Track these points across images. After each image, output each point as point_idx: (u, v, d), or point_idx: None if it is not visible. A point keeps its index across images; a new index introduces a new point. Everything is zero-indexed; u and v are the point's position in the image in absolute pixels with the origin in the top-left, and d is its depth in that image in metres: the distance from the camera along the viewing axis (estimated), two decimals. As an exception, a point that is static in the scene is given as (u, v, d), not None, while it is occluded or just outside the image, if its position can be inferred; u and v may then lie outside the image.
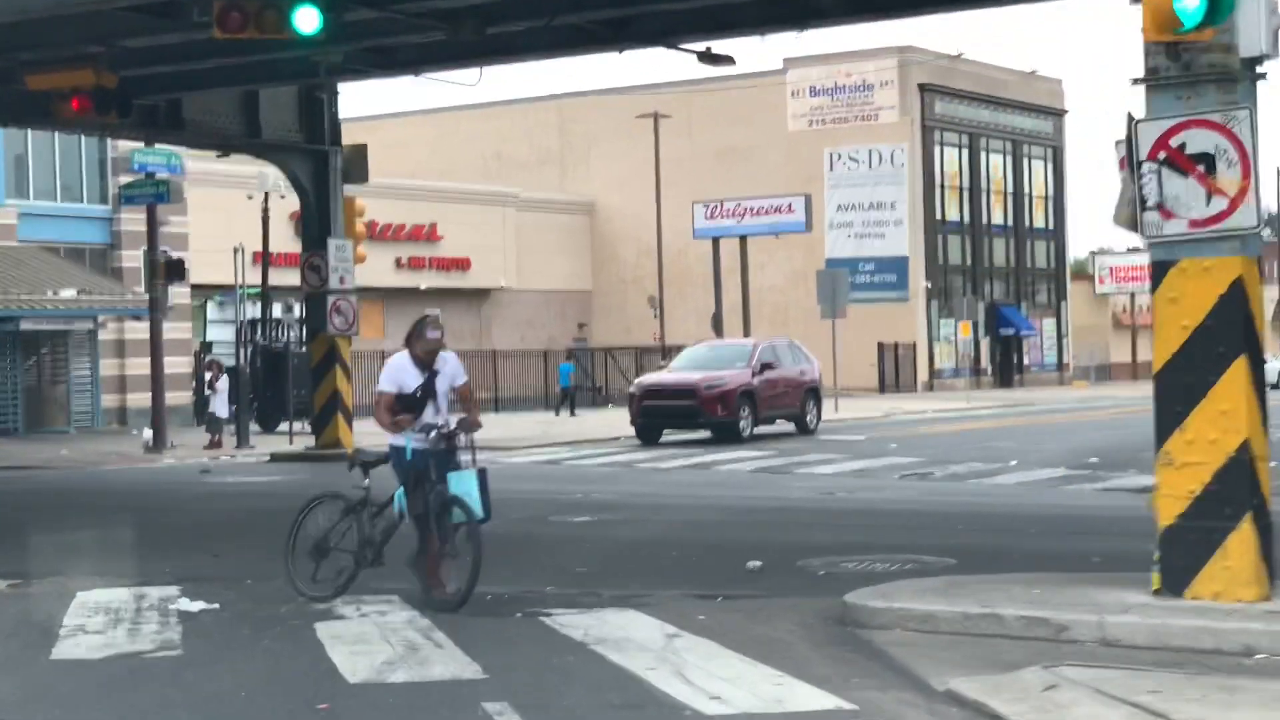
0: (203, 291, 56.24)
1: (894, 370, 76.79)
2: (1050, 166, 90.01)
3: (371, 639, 12.00)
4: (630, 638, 11.76)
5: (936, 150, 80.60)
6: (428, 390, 13.63)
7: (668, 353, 59.01)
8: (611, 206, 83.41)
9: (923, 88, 79.16)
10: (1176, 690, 9.14)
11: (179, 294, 48.24)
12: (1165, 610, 11.33)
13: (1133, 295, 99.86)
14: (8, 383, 46.43)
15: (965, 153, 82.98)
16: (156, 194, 40.14)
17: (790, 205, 68.74)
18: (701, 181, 76.46)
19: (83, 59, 26.33)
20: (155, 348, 40.27)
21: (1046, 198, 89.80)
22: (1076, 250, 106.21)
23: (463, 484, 13.36)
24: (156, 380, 39.97)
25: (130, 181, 42.38)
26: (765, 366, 38.86)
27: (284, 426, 42.22)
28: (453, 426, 13.66)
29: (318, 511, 14.24)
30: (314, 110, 36.02)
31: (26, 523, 22.08)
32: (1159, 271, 11.91)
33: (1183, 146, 11.75)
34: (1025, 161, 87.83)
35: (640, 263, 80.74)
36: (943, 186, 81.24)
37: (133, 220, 48.15)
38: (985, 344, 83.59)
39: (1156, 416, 12.00)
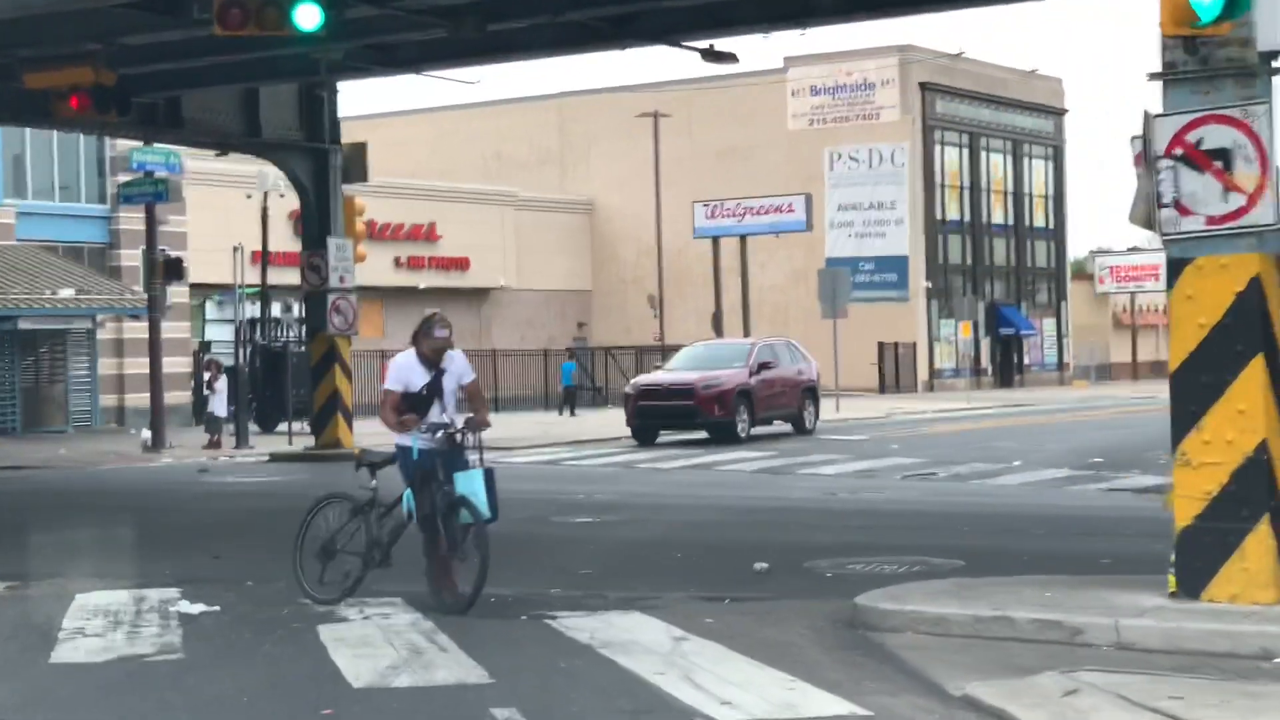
0: (201, 291, 56.09)
1: (894, 370, 76.63)
2: (1051, 166, 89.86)
3: (375, 642, 11.82)
4: (637, 641, 11.58)
5: (937, 149, 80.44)
6: (434, 389, 13.45)
7: (668, 352, 58.84)
8: (611, 206, 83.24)
9: (923, 87, 79.00)
10: (1198, 696, 8.97)
11: (178, 293, 48.05)
12: (1181, 613, 11.16)
13: (1133, 295, 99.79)
14: (6, 382, 46.28)
15: (966, 152, 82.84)
16: (155, 193, 39.98)
17: (790, 205, 68.58)
18: (701, 181, 76.30)
19: (81, 57, 26.18)
20: (154, 347, 40.13)
21: (1047, 197, 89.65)
22: (1077, 250, 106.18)
23: (469, 484, 13.18)
24: (155, 380, 39.82)
25: (129, 180, 42.21)
26: (763, 366, 38.59)
27: (283, 426, 42.06)
28: (460, 426, 13.50)
29: (325, 513, 14.06)
30: (314, 109, 35.86)
31: (25, 523, 21.90)
32: (1175, 269, 11.74)
33: (1200, 142, 11.58)
34: (1026, 161, 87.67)
35: (640, 262, 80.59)
36: (943, 186, 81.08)
37: (131, 219, 48.02)
38: (985, 344, 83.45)
39: (1173, 416, 11.83)
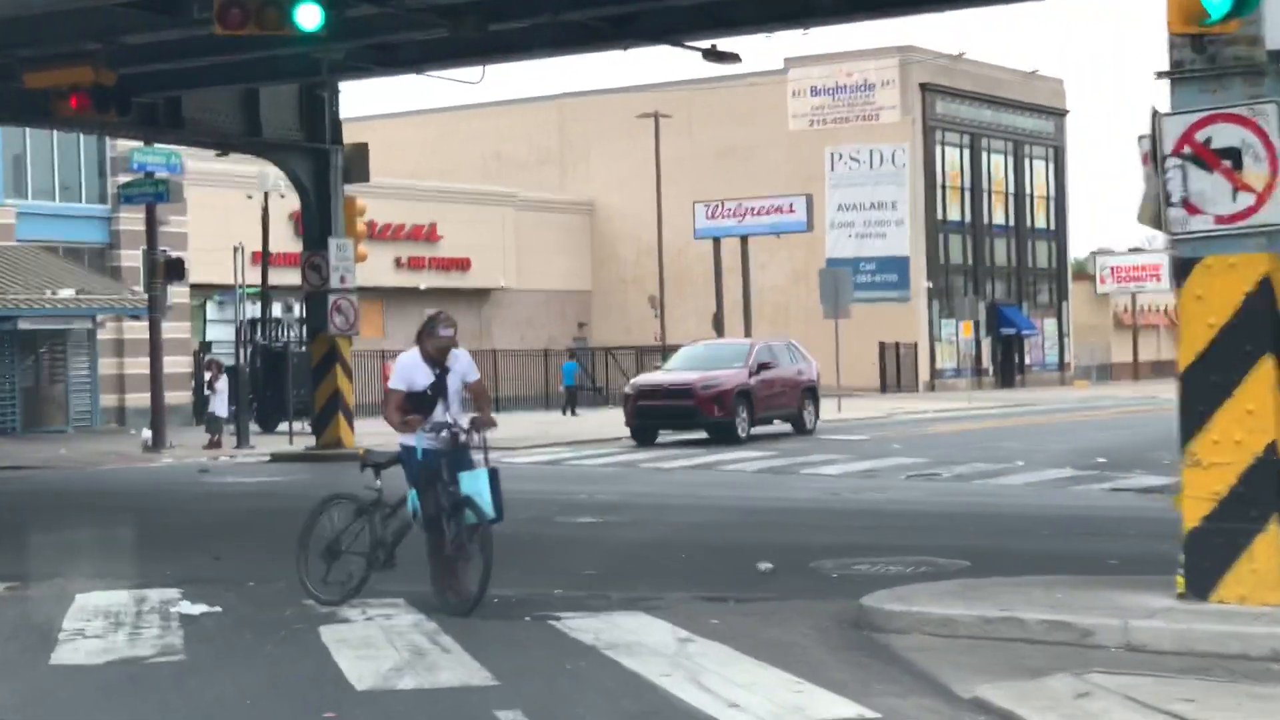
0: (202, 291, 56.03)
1: (895, 370, 76.56)
2: (1051, 166, 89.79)
3: (377, 643, 11.73)
4: (642, 642, 11.49)
5: (937, 150, 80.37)
6: (439, 388, 13.35)
7: (668, 353, 58.78)
8: (611, 206, 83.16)
9: (924, 87, 78.92)
10: (1210, 699, 8.89)
11: (178, 293, 48.05)
12: (1190, 614, 11.07)
13: (1134, 295, 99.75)
14: (6, 382, 46.22)
15: (966, 152, 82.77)
16: (156, 193, 39.91)
17: (791, 205, 68.51)
18: (702, 181, 76.22)
19: (81, 56, 26.11)
20: (154, 347, 40.06)
21: (1048, 198, 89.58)
22: (1077, 250, 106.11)
23: (474, 484, 13.08)
24: (155, 380, 39.75)
25: (129, 181, 42.15)
26: (762, 366, 38.42)
27: (283, 426, 41.99)
28: (465, 426, 13.41)
29: (330, 513, 13.96)
30: (315, 109, 35.78)
31: (25, 523, 21.82)
32: (1184, 268, 11.65)
33: (1208, 141, 11.49)
34: (1026, 161, 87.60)
35: (640, 262, 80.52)
36: (944, 186, 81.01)
37: (132, 220, 47.96)
38: (986, 344, 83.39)
39: (1181, 416, 11.75)
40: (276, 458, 35.17)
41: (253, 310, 50.27)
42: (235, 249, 45.45)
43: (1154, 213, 11.74)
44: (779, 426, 39.52)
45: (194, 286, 52.27)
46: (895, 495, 24.34)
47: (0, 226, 46.34)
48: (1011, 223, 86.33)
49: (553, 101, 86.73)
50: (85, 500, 26.38)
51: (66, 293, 44.12)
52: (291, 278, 48.65)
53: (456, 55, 30.18)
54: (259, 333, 48.88)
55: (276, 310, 50.23)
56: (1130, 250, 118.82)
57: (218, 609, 13.59)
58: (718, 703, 9.52)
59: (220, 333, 56.75)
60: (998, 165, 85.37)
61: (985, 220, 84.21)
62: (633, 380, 41.49)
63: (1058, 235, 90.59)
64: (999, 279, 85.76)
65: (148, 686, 10.59)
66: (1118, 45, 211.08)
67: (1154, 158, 11.70)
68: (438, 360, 13.39)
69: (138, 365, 46.77)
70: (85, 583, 15.19)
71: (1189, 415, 11.66)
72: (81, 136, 47.54)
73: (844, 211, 78.03)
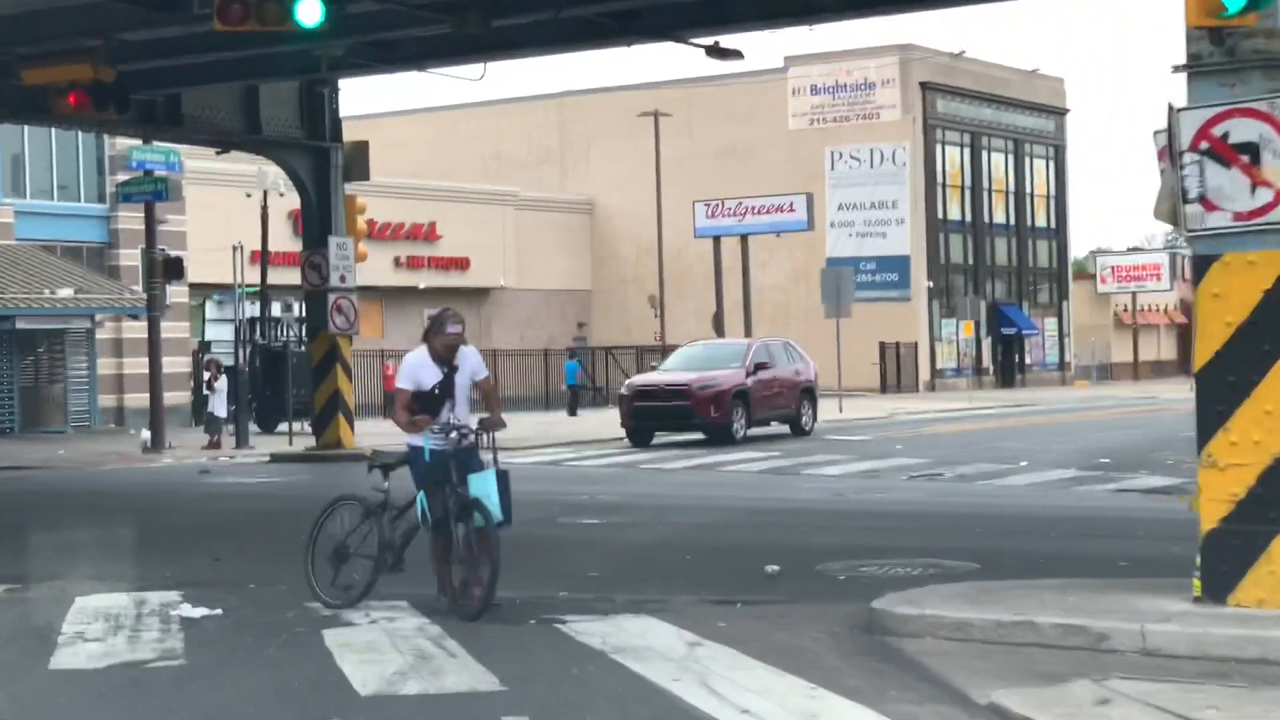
0: (201, 290, 55.90)
1: (895, 370, 76.40)
2: (1052, 165, 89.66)
3: (381, 647, 11.53)
4: (650, 646, 11.30)
5: (938, 149, 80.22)
6: (446, 387, 13.14)
7: (668, 352, 58.63)
8: (611, 205, 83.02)
9: (924, 86, 78.77)
10: (1235, 706, 8.69)
11: (177, 293, 47.87)
12: (1207, 618, 10.88)
13: (1134, 295, 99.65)
14: (4, 382, 46.06)
15: (967, 151, 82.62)
16: (155, 192, 39.75)
17: (792, 204, 68.32)
18: (702, 180, 76.06)
19: (80, 53, 25.96)
20: (153, 347, 39.90)
21: (1048, 197, 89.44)
22: (1078, 250, 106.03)
23: (482, 485, 12.88)
24: (154, 380, 39.59)
25: (128, 179, 41.97)
26: (759, 366, 38.06)
27: (283, 427, 41.83)
28: (474, 426, 13.20)
29: (338, 515, 13.72)
30: (315, 106, 35.62)
31: (24, 524, 21.66)
32: (1201, 266, 11.45)
33: (1226, 136, 11.29)
34: (1027, 160, 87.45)
35: (640, 262, 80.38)
36: (944, 185, 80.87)
37: (130, 218, 47.80)
38: (987, 344, 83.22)
39: (1198, 416, 11.55)
40: (276, 458, 35.00)
41: (252, 310, 50.12)
42: (234, 248, 45.30)
43: (1170, 209, 11.55)
44: (776, 428, 39.22)
45: (193, 286, 52.12)
46: (899, 496, 24.17)
47: (-2, 225, 46.22)
48: (1012, 222, 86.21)
49: (552, 100, 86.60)
50: (84, 501, 26.21)
51: (65, 292, 43.96)
52: (291, 277, 48.48)
53: (458, 52, 30.03)
54: (258, 332, 48.71)
55: (276, 310, 50.08)
56: (1129, 250, 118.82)
57: (218, 611, 13.40)
58: (730, 709, 9.33)
59: (219, 332, 56.62)
60: (998, 164, 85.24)
61: (986, 219, 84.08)
62: (628, 381, 41.15)
63: (1058, 234, 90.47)
64: (999, 278, 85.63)
65: (148, 691, 10.41)
66: (1118, 44, 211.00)
67: (1171, 153, 11.51)
68: (445, 359, 13.15)
69: (137, 365, 46.60)
70: (85, 585, 15.00)
71: (1206, 416, 11.45)
72: (80, 135, 47.40)
73: (844, 211, 77.91)
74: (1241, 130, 11.27)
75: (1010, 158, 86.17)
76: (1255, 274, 11.24)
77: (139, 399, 45.72)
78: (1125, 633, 10.68)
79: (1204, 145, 11.36)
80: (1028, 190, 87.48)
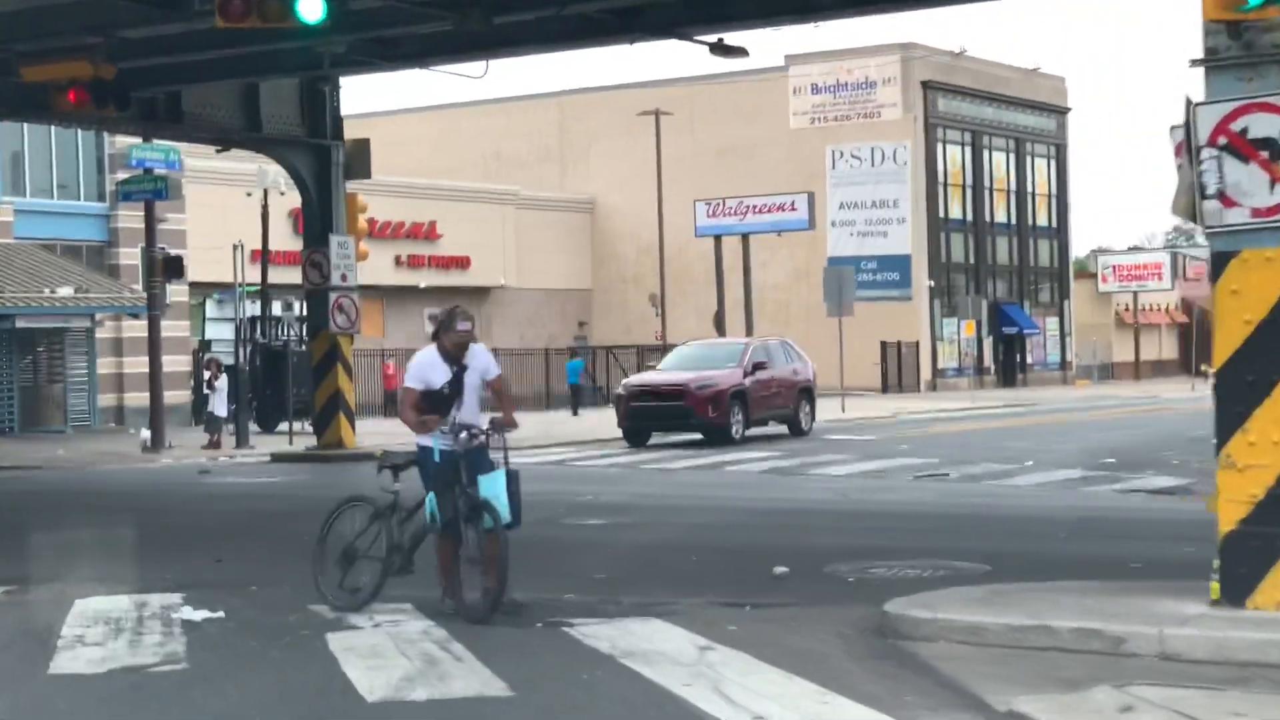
0: (201, 289, 55.74)
1: (897, 369, 76.22)
2: (1053, 164, 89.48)
3: (387, 652, 11.34)
4: (660, 650, 11.11)
5: (939, 148, 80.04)
6: (456, 386, 12.93)
7: (669, 351, 58.48)
8: (612, 204, 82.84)
9: (925, 85, 78.59)
10: (1261, 712, 8.51)
11: (177, 292, 47.68)
12: (1226, 622, 10.70)
13: (1135, 294, 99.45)
14: (3, 382, 45.89)
15: (968, 150, 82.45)
16: (155, 190, 39.55)
17: (793, 203, 68.12)
18: (703, 179, 75.88)
19: (80, 50, 25.74)
20: (153, 346, 39.73)
21: (1049, 195, 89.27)
22: (1080, 249, 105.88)
23: (492, 486, 12.67)
24: (154, 379, 39.41)
25: (128, 178, 41.78)
26: (757, 366, 37.73)
27: (283, 426, 41.66)
28: (485, 426, 13.00)
29: (347, 516, 13.50)
30: (316, 104, 35.45)
31: (23, 525, 21.44)
32: (1219, 262, 11.27)
33: (1244, 131, 11.11)
34: (1028, 159, 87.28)
35: (641, 261, 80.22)
36: (945, 184, 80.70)
37: (130, 217, 47.62)
38: (988, 343, 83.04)
39: (1216, 416, 11.36)
40: (277, 458, 34.82)
41: (252, 309, 49.95)
42: (235, 247, 45.12)
43: (1189, 204, 11.37)
44: (774, 428, 38.92)
45: (193, 285, 51.97)
46: (905, 496, 24.01)
47: (-2, 224, 46.05)
48: (1013, 221, 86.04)
49: (553, 99, 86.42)
50: (84, 501, 26.04)
51: (64, 291, 43.78)
52: (291, 276, 48.29)
53: (459, 49, 29.84)
54: (259, 331, 48.54)
55: (276, 309, 49.90)
56: (1130, 249, 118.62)
57: (220, 614, 13.21)
58: (743, 715, 9.15)
59: (219, 331, 56.44)
60: (999, 163, 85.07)
61: (987, 218, 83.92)
62: (625, 381, 40.84)
63: (1059, 233, 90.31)
64: (1000, 277, 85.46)
65: (150, 696, 10.22)
66: (1119, 43, 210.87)
67: (1188, 148, 11.33)
68: (455, 357, 12.94)
69: (136, 364, 46.42)
70: (85, 587, 14.79)
71: (1225, 415, 11.26)
72: (80, 133, 47.23)
73: (845, 210, 77.75)
74: (1260, 125, 11.10)
75: (1011, 157, 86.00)
76: (1274, 271, 11.06)
77: (139, 398, 45.55)
78: (1143, 636, 10.51)
79: (1222, 140, 11.18)
80: (1029, 189, 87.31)
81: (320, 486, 27.93)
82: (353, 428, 35.50)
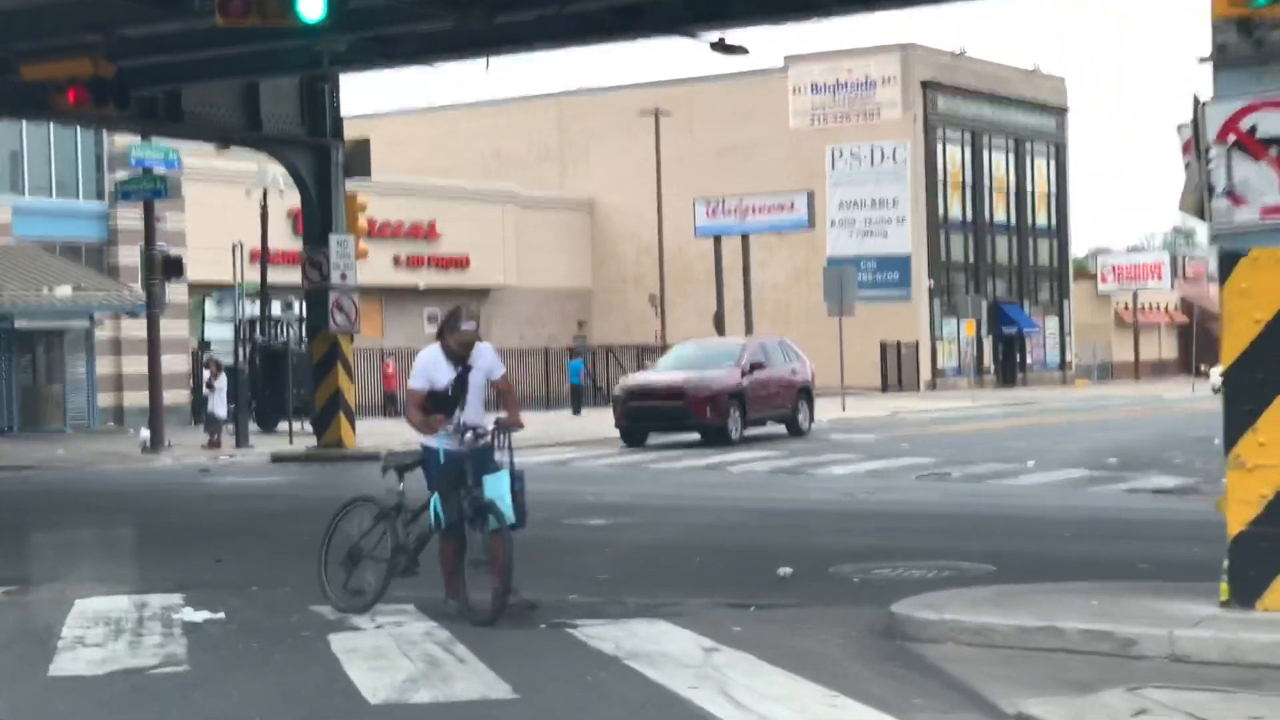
0: (200, 289, 55.64)
1: (897, 369, 76.15)
2: (1053, 164, 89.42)
3: (389, 653, 11.24)
4: (665, 652, 11.01)
5: (939, 147, 79.99)
6: (460, 386, 12.82)
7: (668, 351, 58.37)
8: (611, 204, 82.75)
9: (925, 85, 78.54)
10: (1277, 715, 8.41)
11: (176, 291, 47.62)
12: (1237, 623, 10.60)
13: (1135, 294, 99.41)
14: (2, 381, 45.83)
15: (968, 150, 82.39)
16: (154, 190, 39.43)
17: (793, 203, 68.05)
18: (702, 179, 75.78)
19: (80, 48, 25.68)
20: (152, 346, 39.62)
21: (1049, 195, 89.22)
22: (1079, 249, 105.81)
23: (496, 487, 12.57)
24: (154, 379, 39.31)
25: (127, 177, 41.68)
26: (755, 366, 37.43)
27: (283, 426, 41.57)
28: (489, 427, 12.89)
29: (352, 517, 13.37)
30: (315, 103, 35.36)
31: (23, 525, 21.35)
32: (1228, 262, 11.18)
33: (1253, 129, 11.02)
34: (1028, 159, 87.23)
35: (640, 260, 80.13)
36: (945, 184, 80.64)
37: (129, 217, 47.52)
38: (988, 343, 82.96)
39: (1226, 416, 11.27)
40: (277, 458, 34.72)
41: (252, 308, 49.85)
42: (234, 246, 45.04)
43: (1196, 202, 11.28)
44: (772, 428, 38.71)
45: (192, 284, 51.88)
46: (908, 496, 23.92)
47: (-4, 224, 45.98)
48: (1013, 221, 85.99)
49: (552, 99, 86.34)
50: (84, 501, 25.95)
51: (63, 291, 43.68)
52: (290, 276, 48.21)
53: (460, 48, 29.73)
54: (258, 331, 48.45)
55: (276, 308, 49.81)
56: (1129, 249, 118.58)
57: (221, 615, 13.11)
58: (750, 718, 9.06)
59: (219, 331, 56.29)
60: (999, 163, 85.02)
61: (987, 218, 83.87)
62: (622, 381, 40.59)
63: (1059, 233, 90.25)
64: (1000, 277, 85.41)
65: (150, 699, 10.12)
66: (1119, 42, 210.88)
67: (1196, 146, 11.23)
68: (460, 356, 12.84)
69: (136, 364, 46.33)
70: (85, 587, 14.70)
71: (1234, 415, 11.16)
72: (79, 132, 47.14)
73: (845, 209, 77.69)
74: (1269, 123, 11.01)
75: (1011, 156, 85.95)
76: (1284, 270, 10.97)
77: (138, 398, 45.45)
78: (1153, 638, 10.42)
79: (1231, 138, 11.09)
80: (1028, 189, 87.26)
81: (321, 486, 27.85)
82: (353, 428, 35.42)
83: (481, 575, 12.56)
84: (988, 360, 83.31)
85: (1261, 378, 11.03)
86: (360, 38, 28.24)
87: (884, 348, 74.94)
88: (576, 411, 54.38)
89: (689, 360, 38.53)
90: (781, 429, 38.65)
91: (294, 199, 39.89)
